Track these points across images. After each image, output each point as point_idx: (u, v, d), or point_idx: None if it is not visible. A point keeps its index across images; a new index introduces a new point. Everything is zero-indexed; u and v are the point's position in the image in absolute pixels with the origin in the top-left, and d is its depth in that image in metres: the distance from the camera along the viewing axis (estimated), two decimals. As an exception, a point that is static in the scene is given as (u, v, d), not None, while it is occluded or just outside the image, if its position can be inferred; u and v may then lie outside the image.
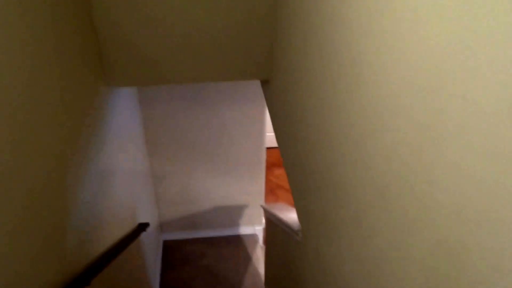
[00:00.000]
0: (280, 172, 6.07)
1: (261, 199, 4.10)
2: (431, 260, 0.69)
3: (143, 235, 3.03)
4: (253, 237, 4.30)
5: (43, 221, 1.23)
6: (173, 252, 4.09)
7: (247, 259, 4.01)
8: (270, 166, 6.18)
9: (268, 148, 6.68)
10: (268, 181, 5.72)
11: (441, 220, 0.64)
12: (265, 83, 2.10)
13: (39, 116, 1.20)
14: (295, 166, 1.64)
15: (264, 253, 3.08)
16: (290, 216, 2.09)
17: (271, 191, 5.57)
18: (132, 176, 2.82)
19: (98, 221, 1.88)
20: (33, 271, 1.16)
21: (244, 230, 4.30)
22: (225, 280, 3.76)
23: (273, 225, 2.58)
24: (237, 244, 4.19)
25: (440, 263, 0.66)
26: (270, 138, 6.40)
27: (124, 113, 2.57)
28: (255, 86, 3.40)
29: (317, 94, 1.21)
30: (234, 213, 4.14)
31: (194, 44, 1.88)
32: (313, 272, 1.57)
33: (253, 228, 4.31)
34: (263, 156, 3.80)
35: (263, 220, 4.29)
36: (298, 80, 1.42)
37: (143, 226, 2.86)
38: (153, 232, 3.64)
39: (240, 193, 3.99)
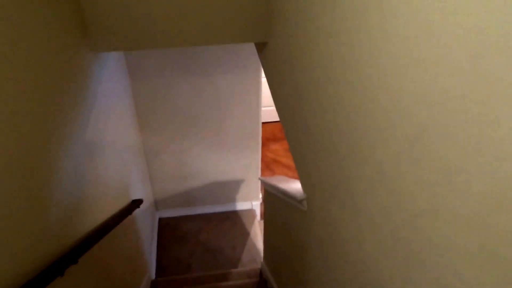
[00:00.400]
0: (276, 147, 5.98)
1: (257, 174, 4.02)
2: (472, 220, 0.59)
3: (137, 213, 2.94)
4: (251, 212, 4.24)
5: (21, 190, 1.12)
6: (169, 230, 4.02)
7: (245, 234, 3.95)
8: (266, 141, 6.09)
9: (263, 123, 6.57)
10: (264, 156, 5.63)
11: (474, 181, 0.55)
12: (261, 46, 1.97)
13: (15, 79, 1.08)
14: (296, 130, 1.54)
15: (263, 228, 3.01)
16: (291, 186, 2.00)
17: (267, 166, 5.49)
18: (123, 151, 2.71)
19: (86, 196, 1.78)
20: (11, 245, 1.06)
21: (241, 205, 4.23)
22: (223, 256, 3.70)
23: (272, 197, 2.49)
24: (235, 220, 4.13)
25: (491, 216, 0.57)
26: (265, 112, 6.28)
27: (111, 82, 2.44)
28: (250, 55, 3.26)
29: (319, 53, 1.10)
30: (231, 188, 4.06)
31: (184, 3, 1.74)
32: (320, 242, 1.49)
33: (251, 203, 4.24)
34: (259, 130, 3.70)
35: (261, 195, 4.22)
36: (297, 40, 1.30)
37: (136, 203, 2.76)
38: (147, 210, 3.55)
39: (237, 168, 3.90)
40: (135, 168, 3.09)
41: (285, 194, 1.93)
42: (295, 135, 1.58)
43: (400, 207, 0.82)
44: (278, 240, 2.48)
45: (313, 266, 1.63)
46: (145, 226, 3.32)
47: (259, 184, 4.09)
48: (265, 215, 2.90)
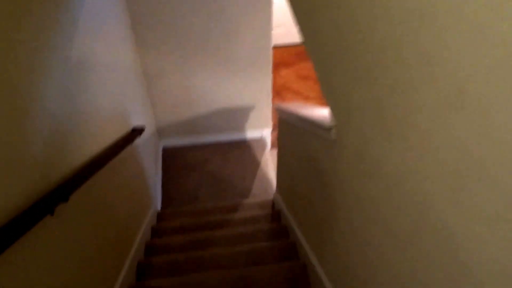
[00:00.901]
0: (286, 72, 5.65)
1: (269, 101, 3.77)
2: None
3: (139, 142, 2.75)
4: (261, 141, 4.06)
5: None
6: (174, 160, 3.88)
7: (255, 164, 3.81)
8: (275, 67, 5.74)
9: (274, 47, 6.17)
10: (273, 82, 5.33)
11: None
12: None
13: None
14: (326, 39, 1.26)
15: (277, 158, 2.84)
16: (314, 113, 1.77)
17: (278, 93, 5.23)
18: (120, 72, 2.45)
19: (77, 123, 1.57)
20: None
21: (251, 134, 4.04)
22: (232, 186, 3.59)
23: (289, 126, 2.27)
24: (244, 149, 3.97)
25: None
26: (276, 35, 5.86)
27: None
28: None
29: None
30: (240, 116, 3.84)
31: None
32: (351, 177, 1.28)
33: (261, 132, 4.05)
34: (270, 51, 3.38)
35: (271, 123, 4.01)
36: None
37: (137, 131, 2.56)
38: (150, 139, 3.37)
39: (246, 94, 3.64)
40: (135, 93, 2.85)
41: (308, 121, 1.71)
42: (322, 46, 1.31)
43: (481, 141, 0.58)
44: (295, 172, 2.30)
45: (339, 203, 1.45)
46: (147, 156, 3.16)
47: (270, 111, 3.86)
48: (279, 145, 2.70)
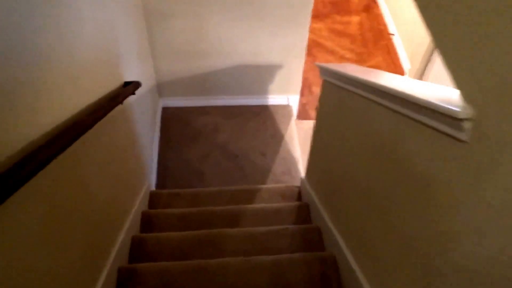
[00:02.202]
0: (319, 26, 4.98)
1: (300, 60, 3.16)
2: None
3: (132, 99, 2.19)
4: (287, 109, 3.48)
5: None
6: (176, 124, 3.32)
7: (278, 137, 3.25)
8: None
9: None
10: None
11: None
12: None
13: None
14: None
15: (312, 134, 2.28)
16: (399, 84, 1.19)
17: (307, 51, 4.59)
18: (110, 6, 1.85)
19: (37, 78, 1.01)
20: None
21: (275, 99, 3.46)
22: (248, 163, 3.05)
23: (342, 95, 1.71)
24: (264, 118, 3.40)
25: None
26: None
27: None
28: None
29: None
30: (262, 76, 3.24)
31: None
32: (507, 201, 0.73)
33: (287, 97, 3.46)
34: (310, 2, 2.73)
35: (300, 88, 3.41)
36: None
37: (130, 87, 1.99)
38: (148, 95, 2.81)
39: (273, 49, 3.03)
40: (129, 34, 2.25)
41: (397, 95, 1.13)
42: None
43: None
44: (344, 160, 1.75)
45: (459, 238, 0.91)
46: (143, 118, 2.61)
47: (300, 73, 3.26)
48: (319, 119, 2.14)
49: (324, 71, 1.89)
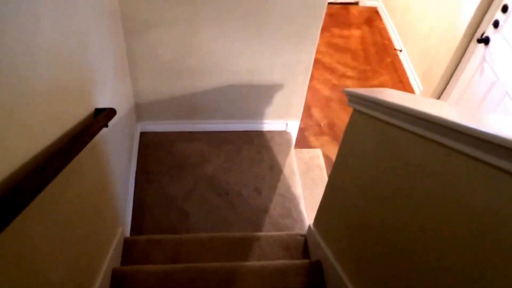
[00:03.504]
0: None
1: (304, 80, 2.88)
2: None
3: (106, 130, 1.86)
4: (284, 136, 3.19)
5: None
6: (156, 152, 2.99)
7: (275, 169, 2.95)
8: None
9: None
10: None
11: None
12: None
13: None
14: None
15: (329, 175, 1.98)
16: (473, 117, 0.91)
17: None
18: (79, 12, 1.52)
19: None
20: None
21: (271, 124, 3.17)
22: (240, 202, 2.74)
23: (384, 129, 1.42)
24: (259, 145, 3.09)
25: None
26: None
27: None
28: None
29: None
30: (258, 98, 2.95)
31: None
32: None
33: (285, 123, 3.17)
34: (322, 7, 2.46)
35: (301, 113, 3.12)
36: None
37: (104, 115, 1.67)
38: (124, 120, 2.48)
39: (273, 66, 2.74)
40: (103, 48, 1.92)
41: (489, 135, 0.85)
42: None
43: None
44: (382, 213, 1.46)
45: None
46: (118, 148, 2.27)
47: (303, 95, 2.98)
48: (342, 157, 1.85)
49: (355, 99, 1.60)
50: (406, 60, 4.39)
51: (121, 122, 2.38)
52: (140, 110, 2.93)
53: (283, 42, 2.59)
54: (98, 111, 1.70)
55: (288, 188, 2.85)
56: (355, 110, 1.66)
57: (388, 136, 1.38)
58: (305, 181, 3.13)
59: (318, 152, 3.39)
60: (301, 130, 3.63)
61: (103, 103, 1.85)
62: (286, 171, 2.95)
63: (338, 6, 5.34)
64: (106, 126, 1.67)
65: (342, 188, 1.87)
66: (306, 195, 3.02)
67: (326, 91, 4.14)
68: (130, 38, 2.45)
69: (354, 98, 1.62)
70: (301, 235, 2.36)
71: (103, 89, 1.88)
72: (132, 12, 2.32)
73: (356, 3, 5.40)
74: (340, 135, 3.79)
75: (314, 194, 3.07)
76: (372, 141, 1.51)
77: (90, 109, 1.64)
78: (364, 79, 4.30)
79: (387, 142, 1.40)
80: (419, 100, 1.42)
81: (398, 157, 1.32)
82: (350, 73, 4.38)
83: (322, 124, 3.80)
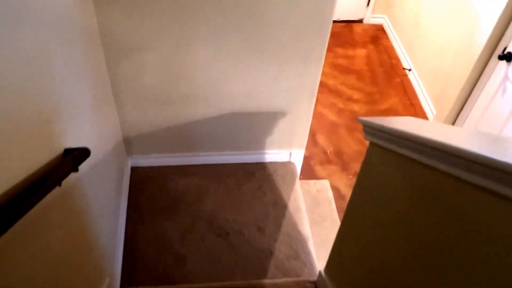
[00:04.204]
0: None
1: (309, 106, 2.62)
2: None
3: (83, 172, 1.59)
4: (288, 167, 2.91)
5: None
6: (149, 190, 2.72)
7: (280, 205, 2.67)
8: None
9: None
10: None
11: None
12: None
13: None
14: None
15: (343, 217, 1.70)
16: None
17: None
18: (42, 33, 1.28)
19: None
20: None
21: (273, 155, 2.90)
22: (241, 243, 2.45)
23: (413, 166, 1.15)
24: (261, 179, 2.82)
25: None
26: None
27: None
28: None
29: None
30: (259, 125, 2.69)
31: None
32: None
33: (288, 153, 2.90)
34: (328, 23, 2.22)
35: (306, 142, 2.86)
36: None
37: (75, 156, 1.41)
38: (109, 156, 2.22)
39: (274, 93, 2.49)
40: (75, 76, 1.67)
41: None
42: None
43: None
44: (396, 264, 1.18)
45: None
46: (100, 188, 2.00)
47: (308, 121, 2.72)
48: (358, 196, 1.58)
49: (374, 131, 1.32)
50: (416, 80, 4.13)
51: (105, 159, 2.12)
52: (129, 144, 2.67)
53: (285, 65, 2.34)
54: (68, 152, 1.44)
55: (294, 226, 2.56)
56: (373, 144, 1.39)
57: (422, 180, 1.11)
58: (313, 217, 2.84)
59: (326, 183, 3.11)
60: (306, 159, 3.36)
61: (76, 142, 1.59)
62: (291, 206, 2.66)
63: (341, 24, 5.12)
64: (76, 170, 1.40)
65: (358, 232, 1.59)
66: (315, 232, 2.73)
67: (331, 116, 3.88)
68: (113, 64, 2.21)
69: (372, 130, 1.35)
70: (311, 282, 2.07)
71: (77, 125, 1.62)
72: (114, 35, 2.08)
73: (360, 21, 5.19)
74: (349, 163, 3.54)
75: (323, 231, 2.78)
76: (399, 183, 1.24)
77: (56, 150, 1.37)
78: (372, 102, 4.04)
79: (421, 186, 1.12)
80: (462, 134, 1.15)
81: (436, 203, 1.04)
82: (356, 95, 4.12)
83: (328, 152, 3.52)
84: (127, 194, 2.62)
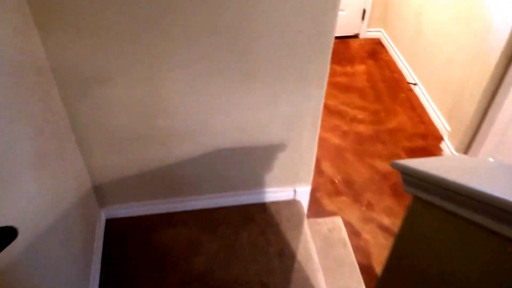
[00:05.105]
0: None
1: (313, 135, 2.21)
2: None
3: (19, 252, 1.14)
4: (294, 206, 2.47)
5: None
6: (129, 245, 2.26)
7: (286, 254, 2.21)
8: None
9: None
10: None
11: None
12: None
13: None
14: None
15: (381, 277, 1.25)
16: None
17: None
18: None
19: None
20: None
21: (275, 194, 2.46)
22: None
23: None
24: (262, 223, 2.37)
25: None
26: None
27: None
28: None
29: None
30: (256, 160, 2.26)
31: None
32: None
33: (292, 190, 2.47)
34: (329, 41, 1.82)
35: (311, 176, 2.42)
36: None
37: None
38: (70, 213, 1.77)
39: (272, 120, 2.07)
40: (8, 124, 1.24)
41: None
42: None
43: None
44: None
45: None
46: (58, 259, 1.55)
47: (313, 152, 2.29)
48: (398, 259, 1.14)
49: (419, 181, 0.89)
50: (424, 95, 3.73)
51: (63, 220, 1.67)
52: (102, 193, 2.23)
53: (282, 90, 1.92)
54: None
55: (306, 280, 2.10)
56: (418, 199, 0.96)
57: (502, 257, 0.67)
58: (327, 264, 2.39)
59: (338, 221, 2.66)
60: (312, 191, 2.90)
61: (10, 211, 1.15)
62: (300, 255, 2.21)
63: (336, 40, 4.72)
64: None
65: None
66: (330, 283, 2.27)
67: (335, 140, 3.46)
68: (71, 102, 1.78)
69: (415, 180, 0.91)
70: None
71: (8, 191, 1.18)
72: (68, 67, 1.66)
73: (356, 36, 4.82)
74: (361, 193, 3.09)
75: (340, 281, 2.32)
76: (468, 259, 0.80)
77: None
78: (378, 121, 3.62)
79: (501, 267, 0.69)
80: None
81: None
82: (360, 115, 3.71)
83: (336, 181, 3.08)
84: (100, 257, 2.15)
